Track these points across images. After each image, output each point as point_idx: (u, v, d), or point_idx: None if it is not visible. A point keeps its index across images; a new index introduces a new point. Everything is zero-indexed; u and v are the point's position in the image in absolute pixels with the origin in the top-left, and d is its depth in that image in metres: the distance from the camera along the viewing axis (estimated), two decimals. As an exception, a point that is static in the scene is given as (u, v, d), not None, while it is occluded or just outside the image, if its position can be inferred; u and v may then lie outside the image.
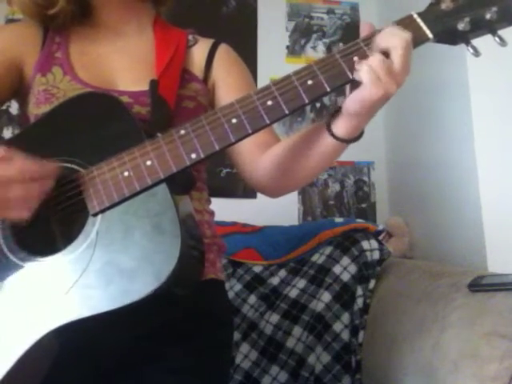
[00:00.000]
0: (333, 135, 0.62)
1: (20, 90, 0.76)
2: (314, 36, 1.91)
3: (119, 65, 0.78)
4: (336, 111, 0.62)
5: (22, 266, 0.59)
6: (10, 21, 1.74)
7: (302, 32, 1.90)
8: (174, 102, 0.72)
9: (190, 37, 0.84)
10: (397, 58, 0.55)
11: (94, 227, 0.58)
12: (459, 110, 1.29)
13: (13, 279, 0.58)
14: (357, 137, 0.62)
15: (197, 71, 0.82)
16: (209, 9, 1.84)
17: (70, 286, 0.56)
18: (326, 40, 1.91)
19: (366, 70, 0.55)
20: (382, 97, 0.56)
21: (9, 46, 0.75)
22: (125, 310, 0.54)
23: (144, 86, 0.73)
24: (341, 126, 0.61)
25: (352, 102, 0.58)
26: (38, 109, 0.72)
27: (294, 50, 1.88)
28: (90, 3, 0.80)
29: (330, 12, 1.93)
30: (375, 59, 0.55)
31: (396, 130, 1.77)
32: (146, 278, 0.54)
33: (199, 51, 0.83)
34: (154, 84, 0.72)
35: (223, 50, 0.85)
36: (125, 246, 0.56)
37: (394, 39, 0.55)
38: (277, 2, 1.91)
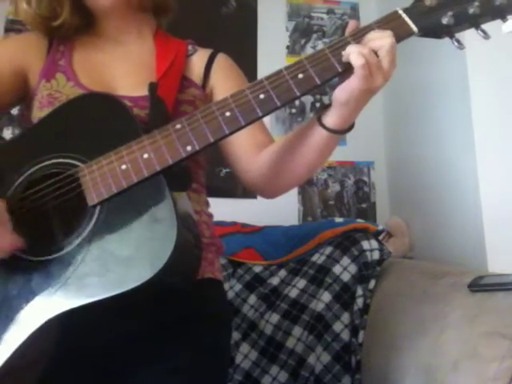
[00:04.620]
0: (323, 126, 0.64)
1: (25, 96, 0.79)
2: (314, 36, 1.91)
3: (120, 71, 0.81)
4: (327, 105, 0.65)
5: (23, 259, 0.60)
6: (10, 21, 1.74)
7: (301, 32, 1.90)
8: (172, 105, 0.74)
9: (190, 47, 0.87)
10: (385, 54, 0.58)
11: (92, 218, 0.60)
12: (459, 109, 1.28)
13: (14, 272, 0.59)
14: (347, 129, 0.65)
15: (195, 78, 0.84)
16: (209, 9, 1.84)
17: (69, 275, 0.57)
18: (326, 40, 1.91)
19: (357, 53, 0.57)
20: (370, 88, 0.59)
21: (15, 55, 0.79)
22: (123, 299, 0.55)
23: (144, 92, 0.74)
24: (331, 117, 0.64)
25: (341, 91, 0.61)
26: (41, 112, 0.75)
27: (293, 50, 1.88)
28: (92, 14, 0.82)
29: (329, 12, 1.93)
30: (366, 49, 0.58)
31: (396, 130, 1.77)
32: (143, 265, 0.55)
33: (198, 60, 0.86)
34: (152, 86, 0.74)
35: (222, 58, 0.87)
36: (122, 235, 0.58)
37: (382, 40, 0.59)
38: (277, 2, 1.91)
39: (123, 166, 0.60)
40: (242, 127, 0.61)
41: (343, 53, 0.60)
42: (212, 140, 0.60)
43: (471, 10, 0.59)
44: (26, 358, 0.58)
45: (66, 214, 0.64)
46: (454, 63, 1.29)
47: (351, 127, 0.66)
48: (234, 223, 1.52)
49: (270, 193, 0.81)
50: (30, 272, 0.59)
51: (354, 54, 0.58)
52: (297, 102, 1.82)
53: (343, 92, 0.60)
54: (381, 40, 0.59)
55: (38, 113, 0.75)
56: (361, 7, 1.94)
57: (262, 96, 0.60)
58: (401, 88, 1.65)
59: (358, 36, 0.61)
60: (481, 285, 0.83)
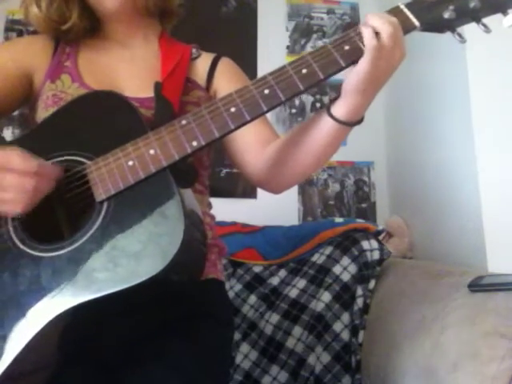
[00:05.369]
0: (332, 117, 0.64)
1: (30, 97, 0.80)
2: (314, 36, 1.91)
3: (126, 73, 0.82)
4: (336, 97, 0.65)
5: (31, 255, 0.60)
6: (10, 21, 1.74)
7: (301, 32, 1.90)
8: (177, 106, 0.75)
9: (194, 50, 0.88)
10: (387, 35, 0.58)
11: (100, 214, 0.60)
12: (459, 109, 1.28)
13: (22, 268, 0.60)
14: (356, 121, 0.65)
15: (199, 81, 0.85)
16: (208, 9, 1.84)
17: (77, 271, 0.57)
18: (326, 40, 1.90)
19: (371, 35, 0.58)
20: (377, 72, 0.59)
21: (22, 57, 0.80)
22: (129, 295, 0.55)
23: (149, 93, 0.75)
24: (340, 108, 0.64)
25: (349, 77, 0.61)
26: (46, 112, 0.75)
27: (293, 50, 1.88)
28: (99, 18, 0.84)
29: (330, 12, 1.93)
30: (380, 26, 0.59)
31: (396, 130, 1.77)
32: (152, 260, 0.55)
33: (202, 63, 0.87)
34: (158, 85, 0.75)
35: (225, 62, 0.89)
36: (130, 230, 0.58)
37: (382, 20, 0.59)
38: (277, 2, 1.91)
39: (130, 162, 0.61)
40: (247, 122, 0.62)
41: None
42: (217, 135, 0.61)
43: (472, 4, 0.60)
44: (34, 356, 0.58)
45: (74, 211, 0.64)
46: (455, 63, 1.29)
47: (360, 120, 0.65)
48: (234, 223, 1.52)
49: (275, 187, 0.80)
50: (39, 268, 0.59)
51: (366, 34, 0.58)
52: (297, 102, 1.83)
53: (351, 79, 0.61)
54: (382, 19, 0.59)
55: (44, 113, 0.75)
56: (361, 7, 1.94)
57: (266, 91, 0.61)
58: (401, 88, 1.65)
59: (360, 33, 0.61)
60: (481, 285, 0.83)
